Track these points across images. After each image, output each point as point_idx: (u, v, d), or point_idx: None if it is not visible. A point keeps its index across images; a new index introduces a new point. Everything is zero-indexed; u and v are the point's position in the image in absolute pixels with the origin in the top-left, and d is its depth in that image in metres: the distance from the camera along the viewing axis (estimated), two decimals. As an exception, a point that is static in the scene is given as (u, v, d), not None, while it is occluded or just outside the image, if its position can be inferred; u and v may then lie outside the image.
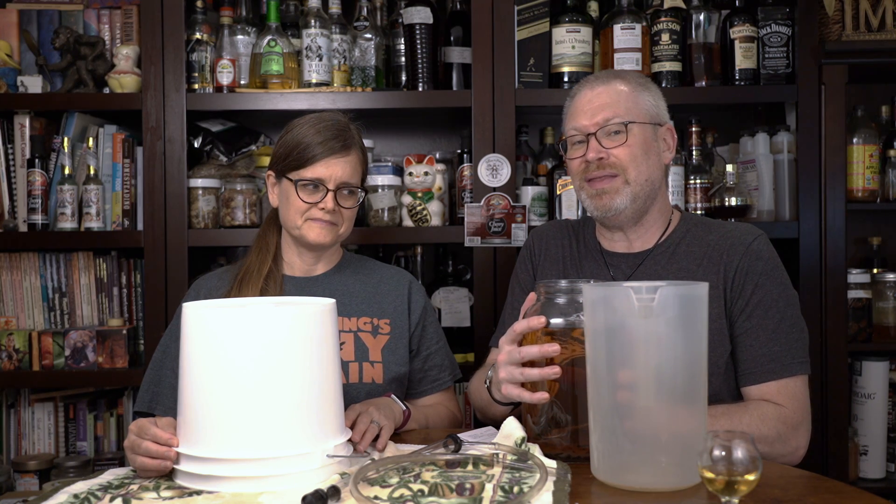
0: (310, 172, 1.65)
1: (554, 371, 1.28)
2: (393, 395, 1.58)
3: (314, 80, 2.34)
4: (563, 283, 1.34)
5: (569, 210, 2.35)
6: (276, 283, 1.70)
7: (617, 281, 1.64)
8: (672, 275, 1.60)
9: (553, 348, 1.29)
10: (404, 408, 1.58)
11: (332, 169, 1.65)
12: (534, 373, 1.31)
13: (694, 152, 2.42)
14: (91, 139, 2.41)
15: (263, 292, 1.67)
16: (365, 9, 2.43)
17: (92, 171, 2.38)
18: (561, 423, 1.30)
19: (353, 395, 1.60)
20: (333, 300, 1.25)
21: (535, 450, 1.27)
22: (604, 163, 1.58)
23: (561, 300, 1.33)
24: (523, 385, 1.34)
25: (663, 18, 2.37)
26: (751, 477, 0.98)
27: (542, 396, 1.30)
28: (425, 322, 1.77)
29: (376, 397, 1.59)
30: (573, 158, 1.64)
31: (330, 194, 1.65)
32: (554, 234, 1.79)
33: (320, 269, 1.77)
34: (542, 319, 1.32)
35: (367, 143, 2.53)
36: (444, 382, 1.77)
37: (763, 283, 1.55)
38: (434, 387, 1.76)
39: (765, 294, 1.55)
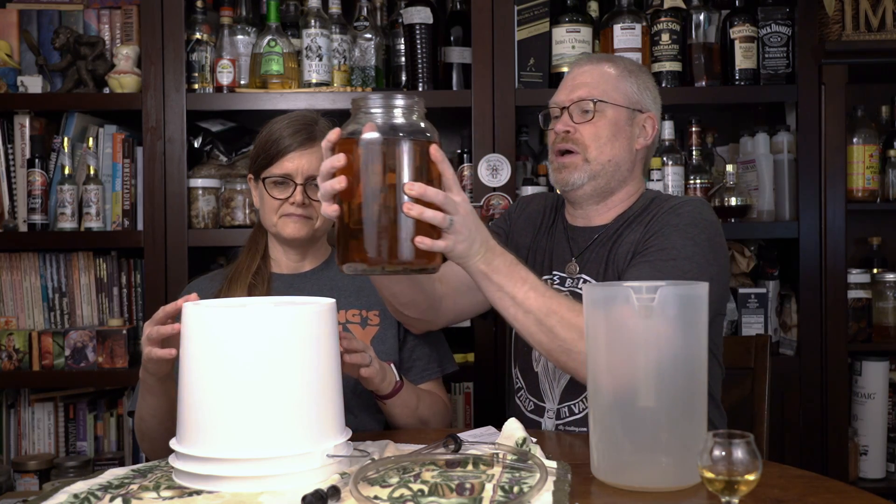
0: (277, 168, 1.67)
1: (339, 182, 1.22)
2: (392, 365, 1.60)
3: (314, 80, 2.34)
4: (372, 97, 1.26)
5: (569, 210, 2.35)
6: (263, 281, 1.71)
7: (574, 251, 1.66)
8: (620, 247, 1.59)
9: (339, 160, 1.22)
10: (398, 378, 1.59)
11: (298, 162, 1.66)
12: (325, 186, 1.24)
13: (694, 152, 2.42)
14: (91, 139, 2.41)
15: (251, 290, 1.68)
16: (365, 9, 2.43)
17: (92, 171, 2.38)
18: (356, 236, 1.23)
19: (344, 385, 1.61)
20: (333, 300, 1.25)
21: (536, 450, 1.27)
22: (569, 136, 1.62)
23: (363, 114, 1.25)
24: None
25: (663, 18, 2.38)
26: (751, 477, 0.98)
27: (331, 209, 1.24)
28: None
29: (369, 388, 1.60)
30: (549, 130, 1.69)
31: (299, 188, 1.66)
32: (538, 202, 1.81)
33: (308, 266, 1.77)
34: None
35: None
36: (432, 372, 1.77)
37: (668, 233, 1.52)
38: (423, 376, 1.76)
39: (664, 239, 1.51)
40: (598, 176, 1.61)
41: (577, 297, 1.58)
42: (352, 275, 1.27)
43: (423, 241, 1.22)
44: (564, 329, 1.36)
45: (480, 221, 1.32)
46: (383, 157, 1.22)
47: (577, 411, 1.60)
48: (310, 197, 1.66)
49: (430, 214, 1.22)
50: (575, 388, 1.59)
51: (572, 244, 1.68)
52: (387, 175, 1.21)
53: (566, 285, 1.65)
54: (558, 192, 1.73)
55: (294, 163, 1.66)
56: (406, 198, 1.21)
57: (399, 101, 1.25)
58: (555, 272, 1.68)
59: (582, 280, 1.63)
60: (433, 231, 1.24)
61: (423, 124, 1.27)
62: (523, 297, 1.36)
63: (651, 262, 1.48)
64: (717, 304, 1.61)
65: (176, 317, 1.32)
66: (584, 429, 1.53)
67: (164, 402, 1.46)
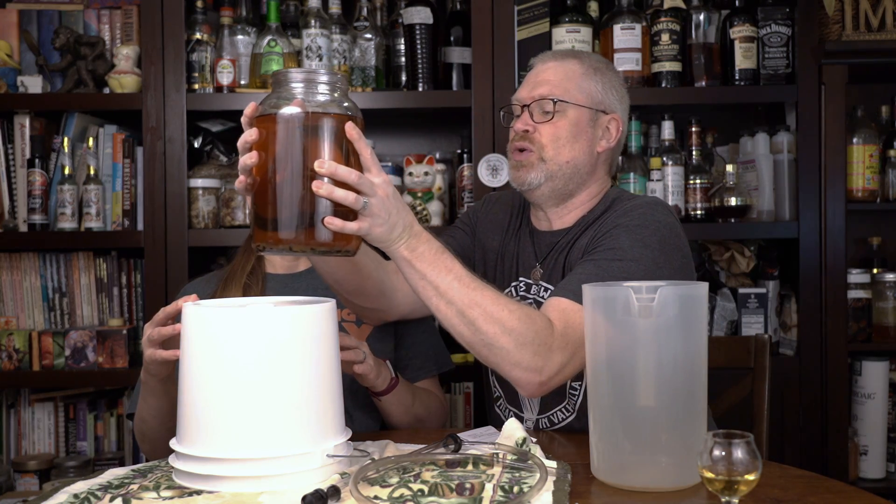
0: None
1: (250, 157, 1.20)
2: (387, 362, 1.60)
3: (314, 80, 2.34)
4: (292, 72, 1.23)
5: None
6: (258, 281, 1.71)
7: (538, 257, 1.62)
8: (573, 253, 1.56)
9: (251, 135, 1.21)
10: (393, 375, 1.59)
11: None
12: (240, 161, 1.22)
13: (694, 152, 2.42)
14: (91, 139, 2.41)
15: (246, 290, 1.68)
16: (365, 9, 2.43)
17: (92, 171, 2.38)
18: (266, 213, 1.21)
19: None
20: (333, 301, 1.25)
21: (536, 450, 1.27)
22: (527, 135, 1.58)
23: (282, 87, 1.23)
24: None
25: (663, 18, 2.37)
26: (751, 477, 0.98)
27: (239, 183, 1.22)
28: None
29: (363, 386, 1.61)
30: (510, 128, 1.64)
31: None
32: (504, 203, 1.76)
33: (302, 266, 1.77)
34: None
35: (367, 142, 2.53)
36: (428, 370, 1.77)
37: (617, 234, 1.47)
38: (419, 374, 1.76)
39: (613, 240, 1.47)
40: (555, 177, 1.57)
41: (540, 305, 1.52)
42: (263, 254, 1.22)
43: (333, 222, 1.18)
44: (486, 322, 1.31)
45: (405, 205, 1.28)
46: (296, 132, 1.18)
47: (556, 421, 1.58)
48: None
49: (340, 194, 1.17)
50: (553, 398, 1.55)
51: (536, 249, 1.64)
52: (300, 152, 1.18)
53: (531, 292, 1.61)
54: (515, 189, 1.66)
55: None
56: (322, 177, 1.17)
57: (319, 77, 1.21)
58: (521, 278, 1.64)
59: (543, 288, 1.59)
60: (350, 212, 1.20)
61: (345, 102, 1.22)
62: (446, 287, 1.31)
63: (596, 261, 1.44)
64: None
65: (176, 317, 1.32)
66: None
67: (166, 402, 1.46)
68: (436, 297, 1.32)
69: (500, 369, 1.36)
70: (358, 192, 1.19)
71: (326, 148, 1.18)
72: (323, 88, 1.21)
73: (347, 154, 1.20)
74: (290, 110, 1.18)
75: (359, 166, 1.21)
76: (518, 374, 1.34)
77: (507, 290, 1.65)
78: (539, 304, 1.54)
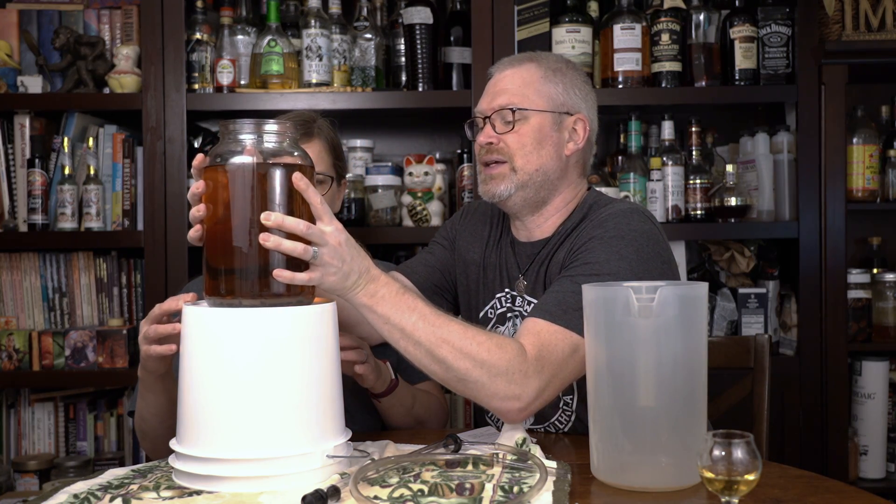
0: None
1: (198, 209, 1.20)
2: (387, 363, 1.60)
3: (314, 81, 2.34)
4: (238, 123, 1.21)
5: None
6: None
7: (521, 268, 1.60)
8: (553, 266, 1.53)
9: (199, 187, 1.20)
10: (393, 376, 1.59)
11: None
12: (193, 212, 1.21)
13: (694, 152, 2.42)
14: (91, 139, 2.41)
15: None
16: (365, 9, 2.43)
17: (92, 171, 2.38)
18: (217, 266, 1.21)
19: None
20: (333, 301, 1.25)
21: (536, 450, 1.27)
22: (493, 148, 1.54)
23: (230, 138, 1.21)
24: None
25: (663, 18, 2.37)
26: (751, 477, 0.98)
27: (193, 234, 1.22)
28: None
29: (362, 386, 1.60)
30: (474, 141, 1.61)
31: None
32: (482, 213, 1.73)
33: None
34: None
35: (366, 142, 2.54)
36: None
37: (592, 247, 1.44)
38: (419, 376, 1.74)
39: (588, 253, 1.44)
40: (526, 186, 1.53)
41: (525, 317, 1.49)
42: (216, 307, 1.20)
43: (282, 275, 1.15)
44: (457, 359, 1.28)
45: (360, 250, 1.25)
46: (244, 183, 1.16)
47: (552, 431, 1.57)
48: None
49: (288, 246, 1.15)
50: (548, 409, 1.53)
51: (519, 260, 1.61)
52: (248, 203, 1.16)
53: (517, 304, 1.59)
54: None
55: None
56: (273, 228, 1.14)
57: (267, 127, 1.20)
58: (506, 289, 1.62)
59: (527, 302, 1.57)
60: (302, 262, 1.18)
61: (294, 151, 1.21)
62: (412, 327, 1.27)
63: (573, 276, 1.41)
64: None
65: (173, 315, 1.32)
66: None
67: (164, 399, 1.46)
68: (402, 340, 1.29)
69: (477, 401, 1.35)
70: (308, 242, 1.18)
71: (276, 198, 1.17)
72: (271, 138, 1.20)
73: (295, 203, 1.18)
74: (239, 160, 1.16)
75: (300, 211, 1.19)
76: (497, 405, 1.32)
77: (492, 302, 1.63)
78: (524, 316, 1.52)
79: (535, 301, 1.53)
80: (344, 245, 1.21)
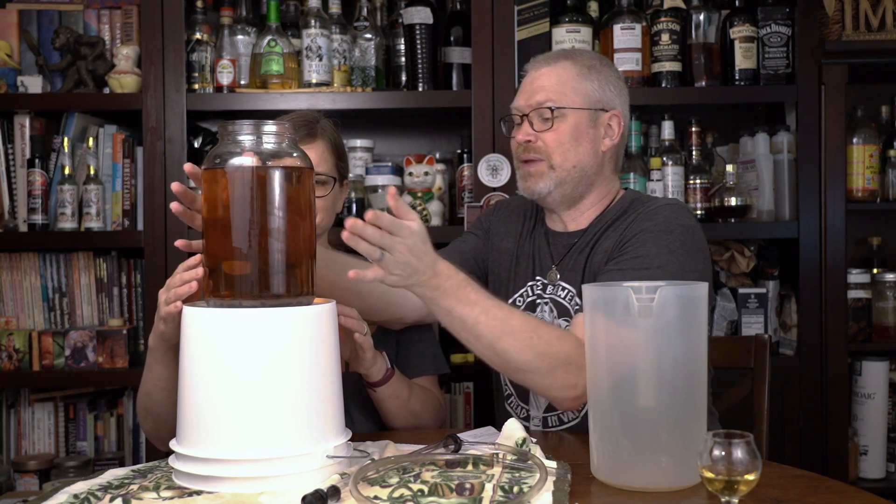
0: None
1: (176, 209, 1.25)
2: (384, 353, 1.60)
3: (314, 81, 2.34)
4: (237, 124, 1.23)
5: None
6: None
7: (554, 258, 1.64)
8: (597, 255, 1.56)
9: (175, 207, 1.26)
10: (389, 366, 1.59)
11: None
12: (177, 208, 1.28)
13: (694, 152, 2.42)
14: (91, 139, 2.41)
15: None
16: (365, 9, 2.43)
17: (92, 171, 2.38)
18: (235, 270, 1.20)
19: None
20: (333, 301, 1.25)
21: (536, 450, 1.27)
22: (531, 146, 1.58)
23: (230, 140, 1.22)
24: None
25: (663, 18, 2.38)
26: (751, 477, 0.98)
27: (179, 242, 1.29)
28: None
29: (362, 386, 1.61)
30: (511, 138, 1.64)
31: None
32: (517, 205, 1.77)
33: None
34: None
35: (366, 142, 2.54)
36: (425, 368, 1.77)
37: (643, 240, 1.48)
38: (416, 371, 1.75)
39: (639, 246, 1.48)
40: (565, 182, 1.57)
41: (558, 304, 1.59)
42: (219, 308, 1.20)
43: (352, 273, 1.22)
44: (517, 352, 1.35)
45: (426, 248, 1.27)
46: (243, 184, 1.17)
47: (566, 420, 1.58)
48: None
49: (364, 247, 1.21)
50: None
51: (552, 250, 1.65)
52: (248, 204, 1.17)
53: (548, 292, 1.62)
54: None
55: None
56: (274, 225, 1.17)
57: (265, 128, 1.21)
58: (537, 277, 1.65)
59: (561, 287, 1.60)
60: (300, 266, 1.21)
61: (294, 153, 1.23)
62: (473, 321, 1.33)
63: (624, 269, 1.45)
64: None
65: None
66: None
67: (173, 372, 1.43)
68: (464, 332, 1.35)
69: (534, 390, 1.42)
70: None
71: (276, 199, 1.18)
72: (270, 139, 1.21)
73: (298, 203, 1.20)
74: (238, 161, 1.18)
75: (300, 212, 1.20)
76: (553, 394, 1.40)
77: (522, 290, 1.67)
78: (555, 304, 1.58)
79: (569, 287, 1.58)
80: (412, 248, 1.25)
